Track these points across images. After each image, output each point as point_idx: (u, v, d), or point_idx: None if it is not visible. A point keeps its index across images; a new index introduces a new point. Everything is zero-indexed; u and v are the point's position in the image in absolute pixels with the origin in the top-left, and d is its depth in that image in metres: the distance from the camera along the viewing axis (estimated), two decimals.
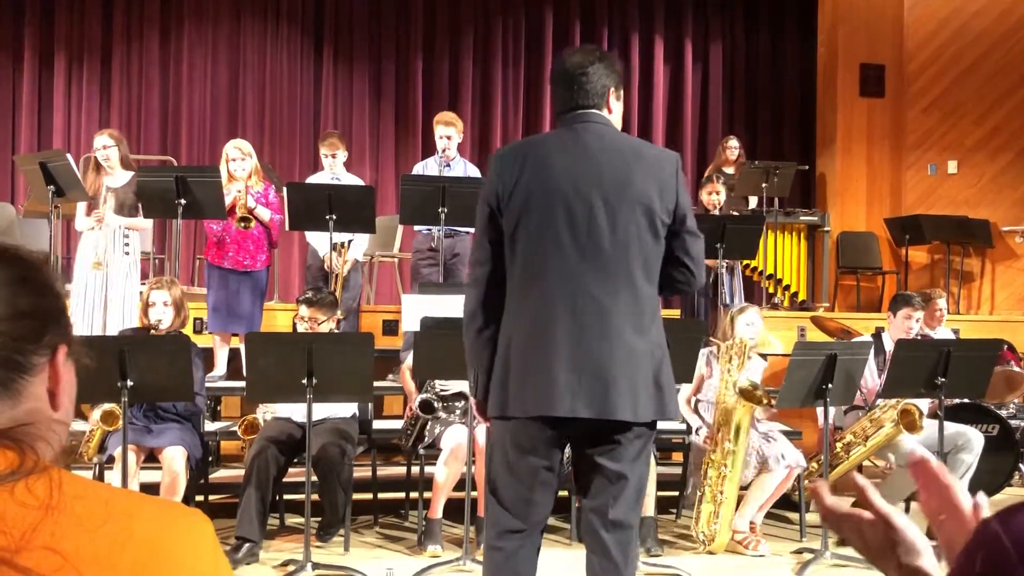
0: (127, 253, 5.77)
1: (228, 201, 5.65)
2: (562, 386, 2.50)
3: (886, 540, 1.06)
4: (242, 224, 5.63)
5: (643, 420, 2.57)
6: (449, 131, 6.18)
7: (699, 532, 4.74)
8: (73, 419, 1.11)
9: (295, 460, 4.69)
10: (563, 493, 2.84)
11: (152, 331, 4.53)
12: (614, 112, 2.71)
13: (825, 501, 1.12)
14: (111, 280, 5.69)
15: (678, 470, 5.50)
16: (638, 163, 2.59)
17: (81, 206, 5.79)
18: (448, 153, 6.21)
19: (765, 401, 4.67)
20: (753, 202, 8.23)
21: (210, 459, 5.14)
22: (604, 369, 2.51)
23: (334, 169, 6.37)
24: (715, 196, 6.83)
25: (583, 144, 2.60)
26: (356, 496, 4.79)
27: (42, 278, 1.01)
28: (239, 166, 5.79)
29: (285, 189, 5.76)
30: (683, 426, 5.22)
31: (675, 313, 7.02)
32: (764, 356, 5.20)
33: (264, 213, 5.83)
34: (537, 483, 2.61)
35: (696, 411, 5.10)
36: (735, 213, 7.26)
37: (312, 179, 6.59)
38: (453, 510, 4.72)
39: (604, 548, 2.62)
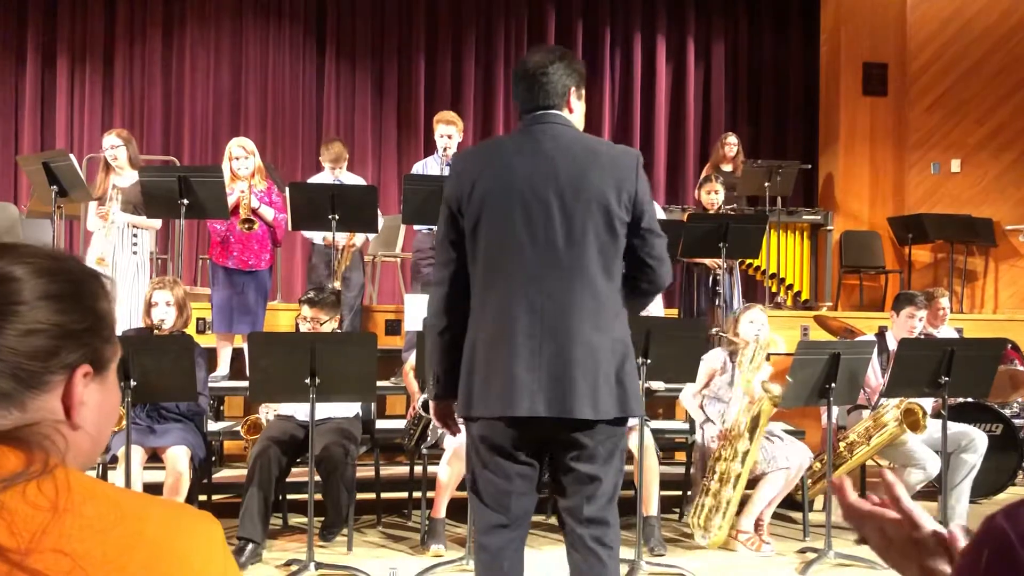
0: (135, 253, 5.78)
1: (231, 201, 5.65)
2: (522, 386, 2.51)
3: (909, 540, 1.05)
4: (246, 227, 5.63)
5: (604, 417, 2.56)
6: (450, 130, 6.18)
7: (694, 523, 4.75)
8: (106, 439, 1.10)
9: (298, 460, 4.69)
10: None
11: (155, 331, 4.53)
12: (576, 112, 2.71)
13: (848, 498, 1.11)
14: (119, 279, 5.71)
15: (681, 469, 5.51)
16: (595, 162, 2.59)
17: (92, 206, 5.79)
18: (448, 152, 6.21)
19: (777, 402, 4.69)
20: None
21: (213, 459, 5.14)
22: (563, 368, 2.52)
23: (339, 176, 6.37)
24: (713, 196, 6.82)
25: (540, 145, 2.60)
26: (359, 496, 4.79)
27: (76, 295, 0.99)
28: (242, 164, 5.79)
29: (287, 189, 5.76)
30: (687, 425, 5.22)
31: (674, 312, 7.02)
32: (767, 356, 5.19)
33: (268, 212, 5.83)
34: (514, 475, 2.62)
35: (702, 408, 5.10)
36: (730, 211, 7.24)
37: (315, 179, 6.59)
38: (456, 510, 4.72)
39: (582, 542, 2.64)
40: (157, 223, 5.92)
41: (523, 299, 2.55)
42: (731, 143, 8.22)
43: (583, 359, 2.52)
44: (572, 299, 2.55)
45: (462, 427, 2.81)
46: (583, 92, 2.73)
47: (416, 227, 6.40)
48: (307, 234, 6.41)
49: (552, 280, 2.55)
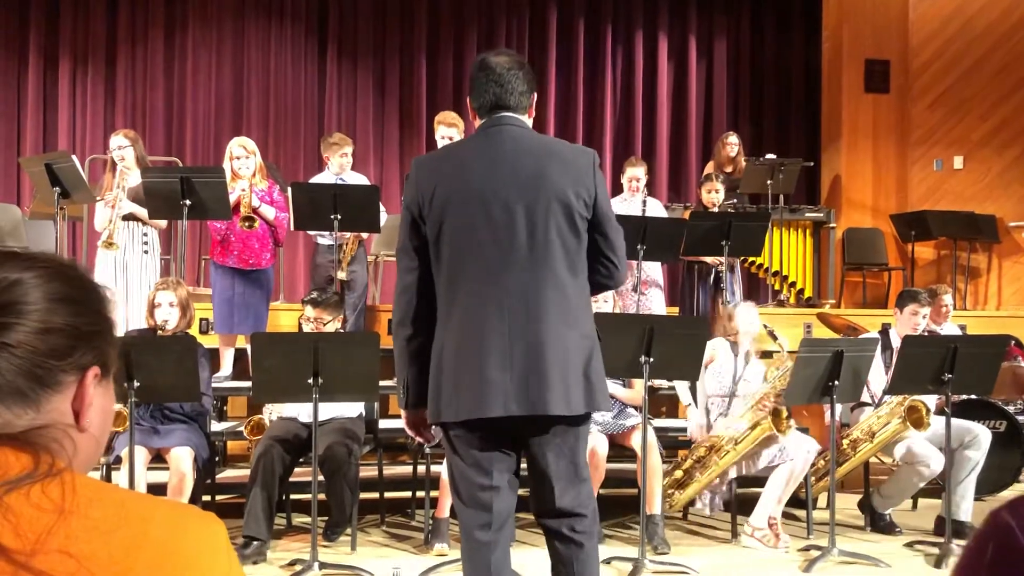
0: (146, 252, 5.78)
1: (232, 200, 5.65)
2: (495, 386, 2.53)
3: None
4: (246, 224, 5.63)
5: (576, 412, 2.59)
6: (452, 132, 6.18)
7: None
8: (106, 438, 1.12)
9: (301, 460, 4.70)
10: None
11: (158, 332, 4.53)
12: (530, 119, 2.75)
13: None
14: (131, 278, 5.71)
15: None
16: (553, 161, 2.62)
17: (99, 206, 5.78)
18: None
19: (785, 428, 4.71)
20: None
21: (217, 459, 5.15)
22: (535, 365, 2.54)
23: (343, 170, 6.36)
24: (714, 195, 6.82)
25: (499, 147, 2.63)
26: (362, 495, 4.80)
27: (88, 299, 1.03)
28: (243, 164, 5.79)
29: (290, 189, 5.76)
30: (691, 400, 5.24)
31: (675, 311, 7.02)
32: (768, 354, 5.19)
33: (269, 212, 5.83)
34: (493, 474, 2.63)
35: (693, 396, 5.14)
36: (731, 210, 7.24)
37: (317, 179, 6.59)
38: None
39: (558, 534, 2.67)
40: (162, 223, 5.92)
41: (490, 300, 2.56)
42: (732, 143, 8.20)
43: (554, 355, 2.55)
44: (539, 297, 2.57)
45: (436, 433, 2.81)
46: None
47: None
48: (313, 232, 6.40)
49: (518, 280, 2.57)
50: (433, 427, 2.77)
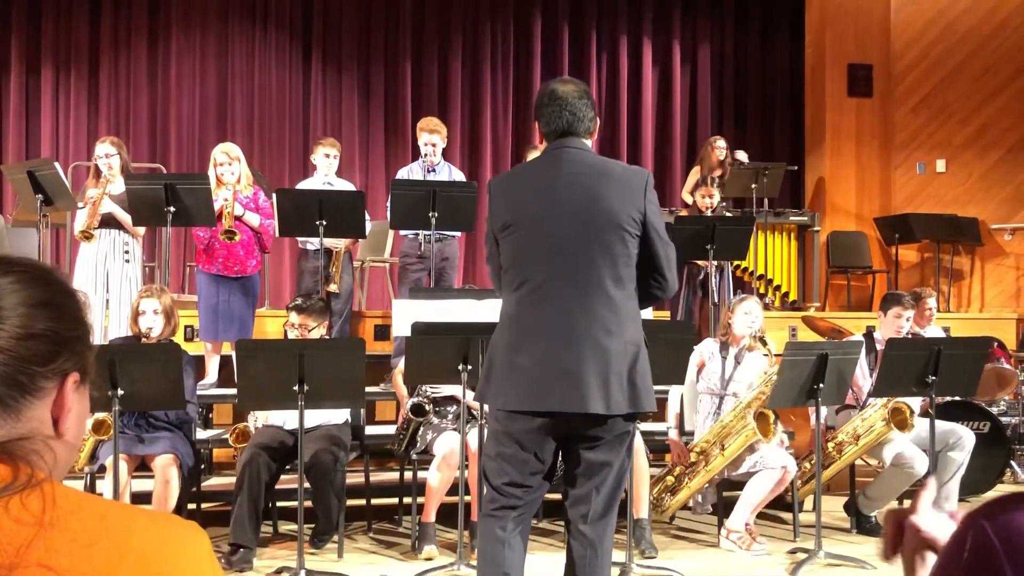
0: (127, 261, 5.75)
1: (216, 207, 5.62)
2: (535, 384, 2.81)
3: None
4: (226, 237, 5.60)
5: (616, 412, 2.82)
6: (434, 138, 6.20)
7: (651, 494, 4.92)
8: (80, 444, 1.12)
9: (287, 467, 4.68)
10: (557, 496, 3.06)
11: (143, 339, 4.51)
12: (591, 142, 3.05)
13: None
14: (112, 288, 5.69)
15: None
16: (607, 181, 2.89)
17: (80, 214, 5.75)
18: (432, 159, 6.22)
19: (772, 434, 4.73)
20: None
21: (202, 467, 5.12)
22: (574, 368, 2.79)
23: (328, 174, 6.35)
24: (708, 200, 6.85)
25: (561, 168, 2.91)
26: (349, 502, 4.78)
27: (67, 305, 1.02)
28: (227, 170, 5.77)
29: (274, 196, 5.74)
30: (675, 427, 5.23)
31: (665, 315, 7.03)
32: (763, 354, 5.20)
33: (253, 219, 5.81)
34: (527, 470, 2.90)
35: (681, 412, 5.14)
36: (728, 214, 7.27)
37: (304, 184, 6.57)
38: (446, 515, 4.72)
39: (582, 535, 2.91)
40: (140, 230, 5.89)
41: (546, 311, 2.84)
42: (720, 146, 8.18)
43: (595, 361, 2.79)
44: (586, 308, 2.83)
45: (453, 432, 3.07)
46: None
47: (402, 232, 6.40)
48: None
49: (569, 290, 2.84)
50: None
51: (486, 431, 3.07)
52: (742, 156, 8.02)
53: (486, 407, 3.13)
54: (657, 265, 2.92)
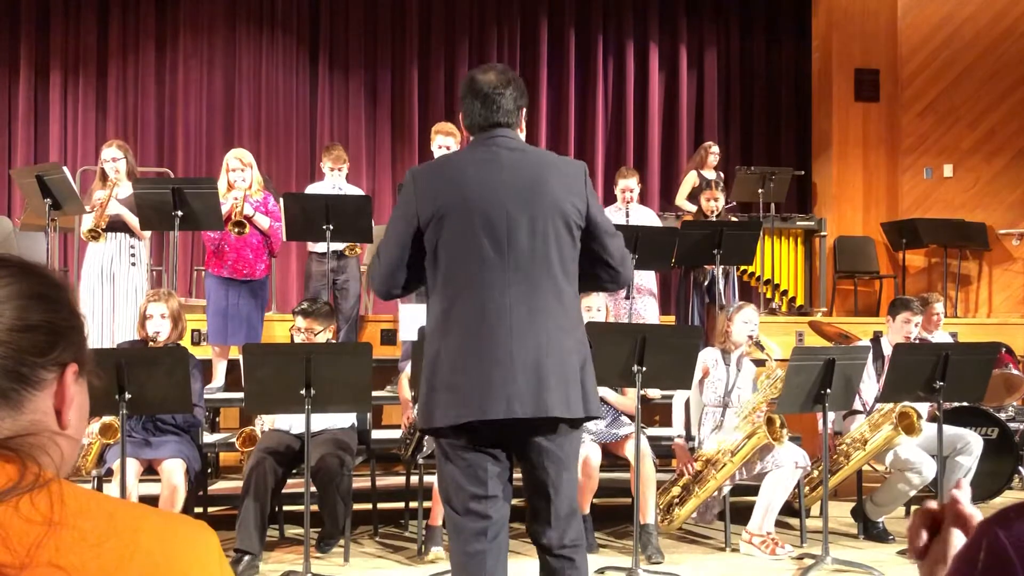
0: (134, 264, 5.76)
1: (226, 209, 5.64)
2: (497, 388, 2.55)
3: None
4: (236, 230, 5.62)
5: (574, 415, 2.63)
6: (448, 141, 6.18)
7: (658, 501, 4.88)
8: (83, 437, 1.12)
9: (294, 471, 4.68)
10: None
11: (150, 343, 4.52)
12: (521, 131, 2.82)
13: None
14: (118, 291, 5.70)
15: None
16: (549, 172, 2.70)
17: (88, 218, 5.77)
18: None
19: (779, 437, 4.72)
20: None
21: (209, 471, 5.13)
22: (537, 368, 2.58)
23: (336, 181, 6.36)
24: (713, 203, 6.84)
25: (496, 158, 2.69)
26: (355, 506, 4.79)
27: (59, 296, 1.03)
28: (239, 176, 5.79)
29: (282, 200, 5.75)
30: (683, 433, 5.22)
31: (670, 319, 7.02)
32: (760, 362, 5.20)
33: (263, 220, 5.82)
34: (488, 478, 2.64)
35: (687, 416, 5.12)
36: (733, 218, 7.26)
37: (313, 188, 6.58)
38: None
39: (551, 546, 2.68)
40: (145, 233, 5.90)
41: (492, 307, 2.60)
42: (715, 152, 8.16)
43: (553, 360, 2.59)
44: (539, 303, 2.62)
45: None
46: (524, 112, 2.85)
47: None
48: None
49: (520, 286, 2.61)
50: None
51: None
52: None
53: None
54: (605, 257, 2.74)
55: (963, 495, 1.01)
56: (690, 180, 7.97)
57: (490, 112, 2.70)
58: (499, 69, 2.79)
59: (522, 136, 2.81)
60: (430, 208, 2.64)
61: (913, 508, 5.32)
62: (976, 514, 1.00)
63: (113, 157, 5.76)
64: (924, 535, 1.03)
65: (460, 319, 2.62)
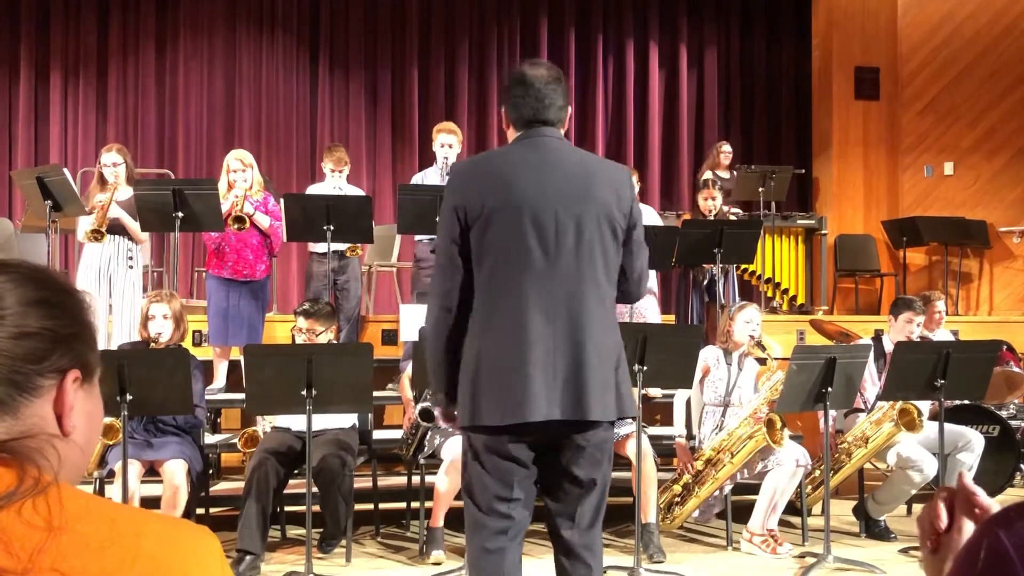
0: (131, 267, 5.77)
1: (226, 208, 5.65)
2: (539, 391, 2.54)
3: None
4: (237, 225, 5.63)
5: (609, 419, 2.65)
6: (451, 139, 6.18)
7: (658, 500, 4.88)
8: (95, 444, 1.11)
9: (295, 472, 4.68)
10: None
11: (151, 344, 4.52)
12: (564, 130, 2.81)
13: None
14: (115, 293, 5.71)
15: None
16: (596, 175, 2.68)
17: (88, 220, 5.77)
18: (449, 162, 6.22)
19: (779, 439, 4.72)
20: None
21: (210, 472, 5.13)
22: (578, 371, 2.57)
23: (337, 182, 6.36)
24: (711, 202, 6.83)
25: (544, 157, 2.66)
26: (357, 507, 4.79)
27: (62, 301, 1.02)
28: (240, 177, 5.79)
29: (282, 200, 5.76)
30: (684, 432, 5.23)
31: (670, 318, 7.02)
32: (762, 360, 5.20)
33: (263, 220, 5.83)
34: (515, 481, 2.63)
35: (688, 415, 5.12)
36: (733, 217, 7.26)
37: (314, 188, 6.58)
38: (454, 519, 4.71)
39: (572, 549, 2.69)
40: (144, 236, 5.91)
41: (537, 306, 2.58)
42: (726, 151, 8.25)
43: (595, 364, 2.59)
44: (584, 306, 2.61)
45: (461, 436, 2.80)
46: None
47: (417, 237, 6.39)
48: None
49: (564, 288, 2.60)
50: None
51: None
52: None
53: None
54: (630, 268, 2.73)
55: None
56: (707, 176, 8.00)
57: (541, 107, 2.67)
58: (548, 65, 2.77)
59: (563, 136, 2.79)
60: (478, 205, 2.60)
61: (920, 503, 5.33)
62: (991, 505, 0.99)
63: (114, 162, 5.77)
64: (943, 519, 1.01)
65: (504, 318, 2.59)
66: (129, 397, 3.89)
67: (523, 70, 2.72)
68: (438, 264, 2.70)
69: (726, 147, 8.32)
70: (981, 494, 1.00)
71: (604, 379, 2.60)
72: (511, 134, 2.76)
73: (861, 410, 5.16)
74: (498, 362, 2.58)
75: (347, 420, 4.87)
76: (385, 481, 5.49)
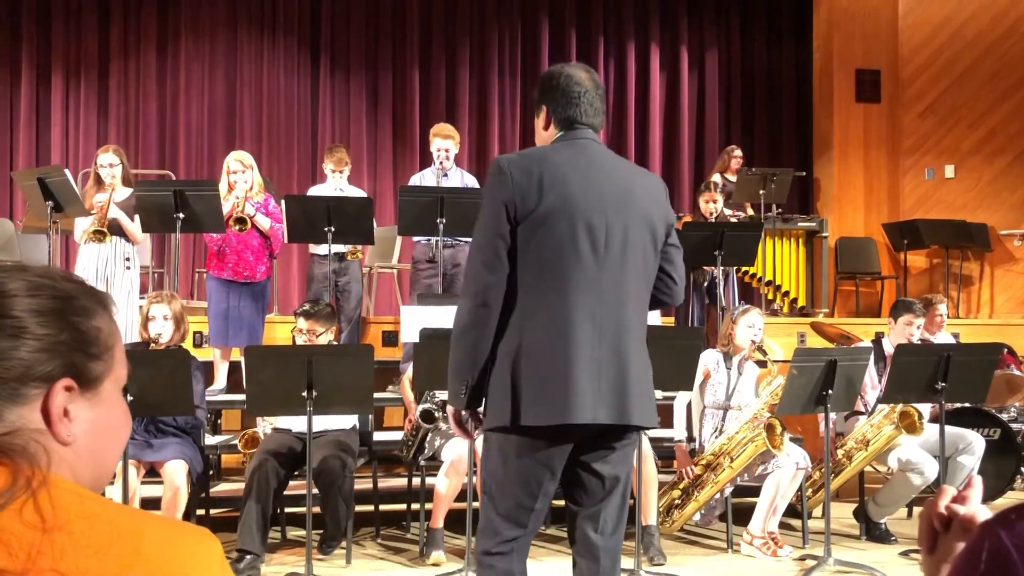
0: (128, 268, 5.77)
1: (227, 209, 5.65)
2: (585, 393, 2.51)
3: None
4: (238, 226, 5.63)
5: (651, 425, 2.70)
6: (447, 143, 6.20)
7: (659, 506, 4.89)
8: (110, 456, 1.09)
9: (296, 473, 4.68)
10: (562, 502, 2.84)
11: (152, 345, 4.52)
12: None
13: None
14: (112, 294, 5.70)
15: None
16: (637, 183, 2.70)
17: (86, 221, 5.77)
18: (445, 164, 6.23)
19: (779, 444, 4.71)
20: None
21: (211, 473, 5.13)
22: (622, 375, 2.58)
23: (338, 183, 6.36)
24: (712, 205, 6.84)
25: (591, 161, 2.66)
26: (357, 508, 4.78)
27: (55, 311, 1.00)
28: (240, 178, 5.80)
29: (283, 201, 5.76)
30: (685, 434, 5.22)
31: (670, 321, 7.02)
32: (763, 363, 5.20)
33: (264, 221, 5.83)
34: (540, 493, 2.60)
35: (689, 418, 5.12)
36: (734, 219, 7.26)
37: (315, 190, 6.59)
38: (454, 521, 4.72)
39: (594, 553, 2.67)
40: (142, 237, 5.91)
41: (584, 308, 2.56)
42: (737, 156, 8.26)
43: (636, 369, 2.61)
44: (625, 311, 2.62)
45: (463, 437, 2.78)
46: None
47: (415, 238, 6.40)
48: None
49: (611, 291, 2.59)
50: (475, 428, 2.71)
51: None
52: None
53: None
54: (670, 271, 2.76)
55: (975, 493, 1.00)
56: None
57: (592, 111, 2.71)
58: (587, 68, 2.80)
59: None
60: (533, 202, 2.55)
61: (920, 506, 5.33)
62: (979, 512, 0.99)
63: (110, 163, 5.77)
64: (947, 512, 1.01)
65: (548, 318, 2.55)
66: (129, 398, 3.88)
67: (574, 71, 2.74)
68: (480, 259, 2.60)
69: (737, 152, 8.33)
70: (972, 506, 1.00)
71: (644, 386, 2.64)
72: (550, 133, 2.74)
73: (862, 413, 5.16)
74: (539, 362, 2.52)
75: (347, 421, 4.87)
76: (385, 483, 5.49)
